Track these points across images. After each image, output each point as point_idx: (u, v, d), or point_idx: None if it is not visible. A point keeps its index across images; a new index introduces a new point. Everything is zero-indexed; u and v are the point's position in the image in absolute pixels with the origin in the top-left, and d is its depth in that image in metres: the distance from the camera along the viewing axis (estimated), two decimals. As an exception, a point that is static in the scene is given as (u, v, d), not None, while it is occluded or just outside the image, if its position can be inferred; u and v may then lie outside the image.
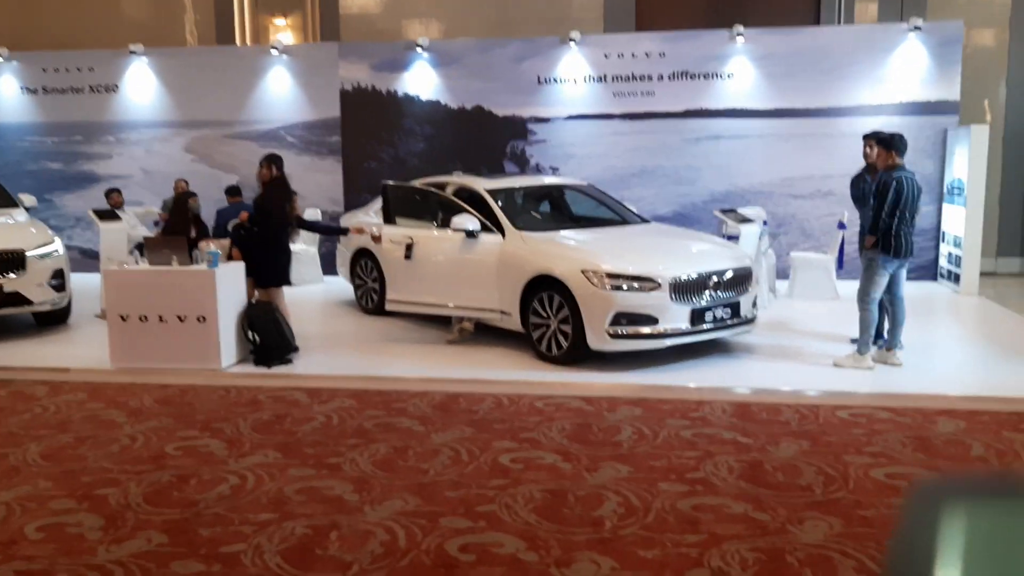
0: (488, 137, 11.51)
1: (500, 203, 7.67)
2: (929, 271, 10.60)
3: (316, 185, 11.88)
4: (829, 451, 5.08)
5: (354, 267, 9.30)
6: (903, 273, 6.74)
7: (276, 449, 5.20)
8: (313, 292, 10.75)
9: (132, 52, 12.00)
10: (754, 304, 7.26)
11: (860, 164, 7.40)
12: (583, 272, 6.66)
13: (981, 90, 11.76)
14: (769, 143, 11.03)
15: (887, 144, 6.61)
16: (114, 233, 8.87)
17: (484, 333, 7.81)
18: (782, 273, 10.11)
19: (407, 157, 11.71)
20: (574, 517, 4.18)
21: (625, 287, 6.55)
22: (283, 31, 13.95)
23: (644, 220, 8.25)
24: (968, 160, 9.73)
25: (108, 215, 9.08)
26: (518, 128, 11.43)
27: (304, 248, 11.20)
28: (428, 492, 4.51)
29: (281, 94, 11.92)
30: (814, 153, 10.90)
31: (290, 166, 11.94)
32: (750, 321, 7.17)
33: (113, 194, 10.14)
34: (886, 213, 6.40)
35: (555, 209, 8.48)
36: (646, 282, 6.57)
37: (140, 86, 12.15)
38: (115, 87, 12.16)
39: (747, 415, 5.77)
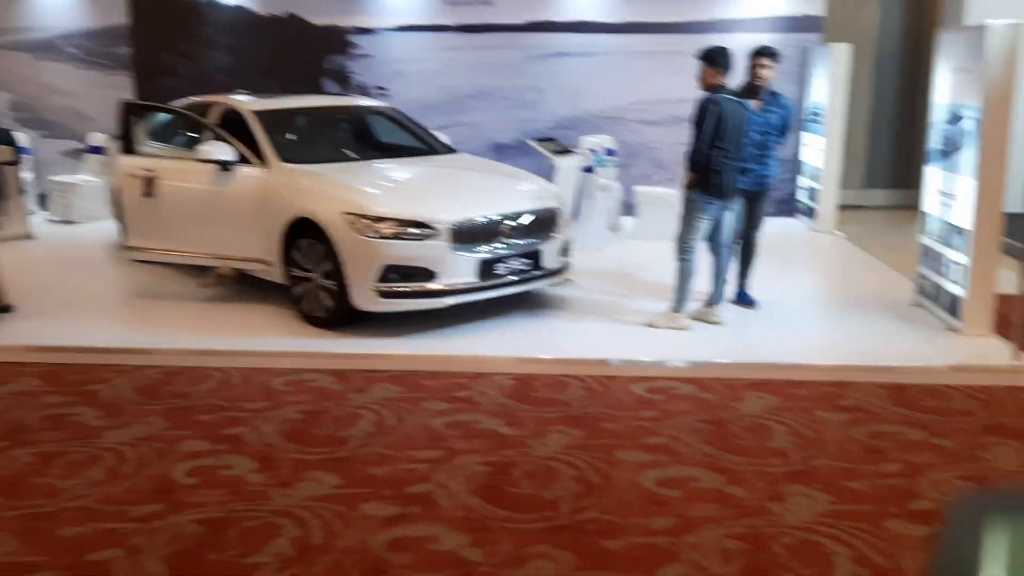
0: (303, 51, 9.96)
1: (269, 128, 6.29)
2: (787, 206, 9.73)
3: (105, 104, 10.10)
4: (601, 446, 4.07)
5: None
6: (728, 216, 5.68)
7: None
8: (95, 231, 9.16)
9: None
10: (565, 251, 6.16)
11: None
12: (345, 215, 5.41)
13: (852, 6, 10.80)
14: (620, 62, 9.85)
15: (708, 59, 5.53)
16: None
17: (256, 287, 6.47)
18: (631, 209, 9.07)
19: (212, 72, 10.07)
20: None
21: (395, 234, 5.35)
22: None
23: (451, 150, 7.01)
24: (827, 83, 8.78)
25: None
26: (337, 40, 9.91)
27: (86, 180, 9.58)
28: (34, 537, 3.29)
29: (58, -5, 10.05)
30: (669, 74, 9.75)
31: (73, 81, 10.32)
32: (557, 272, 6.08)
33: None
34: (703, 143, 5.32)
35: (345, 137, 7.13)
36: (420, 228, 5.38)
37: None
38: None
39: (525, 393, 4.73)
